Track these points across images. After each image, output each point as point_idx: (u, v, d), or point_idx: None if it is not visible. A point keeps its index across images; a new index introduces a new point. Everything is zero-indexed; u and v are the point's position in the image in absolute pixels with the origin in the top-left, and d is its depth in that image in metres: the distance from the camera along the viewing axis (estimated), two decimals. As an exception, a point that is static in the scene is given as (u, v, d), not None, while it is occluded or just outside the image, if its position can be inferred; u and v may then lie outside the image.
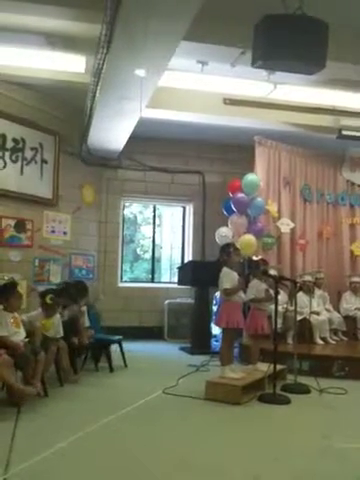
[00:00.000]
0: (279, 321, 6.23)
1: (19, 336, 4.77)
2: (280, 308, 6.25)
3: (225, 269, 5.45)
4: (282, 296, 6.92)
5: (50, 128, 7.96)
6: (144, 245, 10.88)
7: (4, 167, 7.26)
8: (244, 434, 4.13)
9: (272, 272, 6.62)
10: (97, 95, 6.46)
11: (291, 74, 5.79)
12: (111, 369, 6.37)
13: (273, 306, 5.86)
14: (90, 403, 4.91)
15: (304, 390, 5.51)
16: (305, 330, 7.02)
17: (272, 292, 5.81)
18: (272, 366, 5.28)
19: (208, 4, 4.53)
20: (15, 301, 4.84)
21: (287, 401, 5.09)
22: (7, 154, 7.30)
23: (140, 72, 5.54)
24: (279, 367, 5.57)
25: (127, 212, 10.46)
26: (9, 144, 7.34)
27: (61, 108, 8.00)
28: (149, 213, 10.58)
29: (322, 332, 7.56)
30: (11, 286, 4.96)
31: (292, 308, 6.53)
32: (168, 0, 4.33)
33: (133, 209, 10.73)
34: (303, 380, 5.71)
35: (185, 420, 4.47)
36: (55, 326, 5.42)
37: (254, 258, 7.24)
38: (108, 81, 5.95)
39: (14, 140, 7.40)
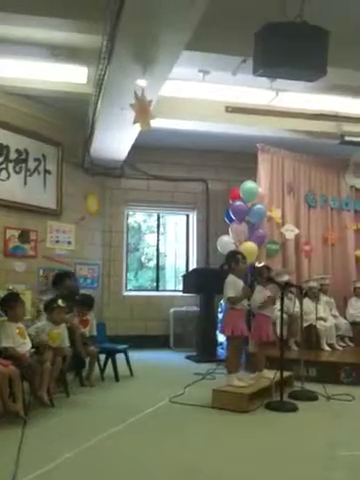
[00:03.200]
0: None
1: (25, 347, 4.76)
2: (285, 315, 6.22)
3: (230, 277, 5.43)
4: (288, 301, 6.90)
5: (53, 139, 8.02)
6: (148, 253, 10.88)
7: (8, 178, 7.31)
8: (251, 442, 4.10)
9: (282, 277, 6.61)
10: (99, 105, 6.51)
11: (293, 81, 5.86)
12: (117, 378, 6.35)
13: (278, 312, 5.84)
14: (97, 413, 4.89)
15: (311, 397, 5.46)
16: (312, 336, 6.99)
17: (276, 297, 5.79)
18: (279, 373, 5.25)
19: (209, 13, 4.58)
20: (19, 310, 4.83)
21: (294, 408, 5.05)
22: (10, 165, 7.36)
23: (141, 82, 5.57)
24: (286, 374, 5.54)
25: (131, 221, 10.48)
26: (12, 155, 7.40)
27: (64, 119, 8.05)
28: (153, 221, 10.60)
29: (329, 338, 7.53)
30: (14, 296, 4.96)
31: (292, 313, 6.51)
32: (169, 10, 4.39)
33: (137, 218, 10.75)
34: (310, 387, 5.67)
35: (192, 429, 4.44)
36: (61, 336, 5.40)
37: (257, 265, 7.22)
38: (110, 91, 6.01)
39: (17, 151, 7.46)
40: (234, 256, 5.56)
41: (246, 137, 8.30)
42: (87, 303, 6.36)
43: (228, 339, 5.56)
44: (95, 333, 6.35)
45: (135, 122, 5.62)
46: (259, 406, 5.05)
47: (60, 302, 5.35)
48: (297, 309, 6.94)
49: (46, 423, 4.46)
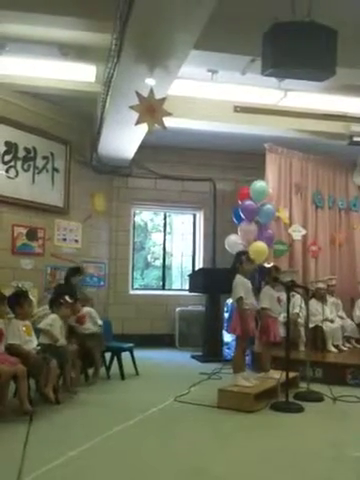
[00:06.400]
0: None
1: (31, 344, 4.78)
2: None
3: (238, 277, 5.42)
4: (295, 302, 6.88)
5: (61, 137, 8.04)
6: (155, 252, 10.89)
7: (16, 176, 7.33)
8: (256, 443, 4.09)
9: (288, 277, 6.58)
10: (107, 104, 6.52)
11: (301, 81, 5.83)
12: (122, 377, 6.36)
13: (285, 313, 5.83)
14: (102, 411, 4.90)
15: (317, 398, 5.45)
16: (318, 337, 6.97)
17: (284, 299, 5.78)
18: (284, 374, 5.24)
19: (217, 13, 4.57)
20: (27, 309, 4.86)
21: (300, 409, 5.04)
22: (19, 163, 7.38)
23: (150, 81, 5.57)
24: (292, 375, 5.53)
25: (137, 219, 10.48)
26: (21, 153, 7.42)
27: (72, 117, 8.07)
28: (160, 220, 10.60)
29: (335, 339, 7.50)
30: (22, 294, 4.98)
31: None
32: (178, 9, 4.39)
33: (143, 216, 10.76)
34: (316, 388, 5.66)
35: (198, 428, 4.44)
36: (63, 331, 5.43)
37: (266, 265, 7.21)
38: (118, 90, 6.01)
39: (26, 149, 7.49)
40: (239, 257, 5.57)
41: (254, 137, 8.28)
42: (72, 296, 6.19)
43: (236, 339, 5.56)
44: (95, 329, 6.24)
45: (138, 123, 5.61)
46: (265, 407, 5.05)
47: (67, 297, 5.38)
48: (296, 311, 6.94)
49: (51, 421, 4.47)
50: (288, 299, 5.55)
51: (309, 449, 3.94)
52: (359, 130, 8.06)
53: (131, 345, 6.73)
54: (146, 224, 10.95)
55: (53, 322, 5.23)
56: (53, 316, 5.31)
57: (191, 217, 10.43)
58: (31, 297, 5.06)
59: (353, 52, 5.61)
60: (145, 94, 5.63)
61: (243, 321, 5.24)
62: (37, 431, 4.11)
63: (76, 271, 7.02)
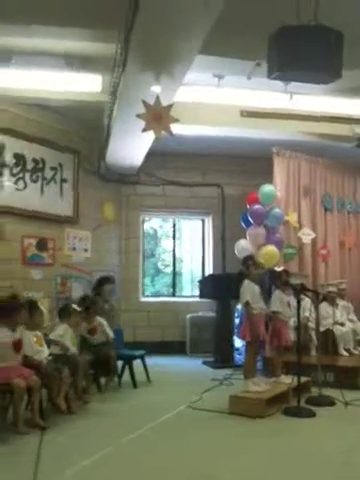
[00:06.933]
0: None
1: (42, 354, 4.80)
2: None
3: (246, 282, 5.43)
4: (305, 306, 6.85)
5: (69, 147, 8.09)
6: (165, 259, 10.89)
7: (25, 188, 7.39)
8: (269, 448, 4.08)
9: (297, 281, 6.56)
10: (114, 113, 6.56)
11: (307, 84, 5.83)
12: (135, 385, 6.36)
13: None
14: (115, 420, 4.91)
15: (329, 402, 5.42)
16: (329, 341, 6.93)
17: (294, 303, 5.76)
18: (296, 378, 5.22)
19: (222, 18, 4.58)
20: (37, 319, 4.88)
21: (312, 414, 5.01)
22: (27, 175, 7.44)
23: (156, 88, 5.59)
24: (303, 379, 5.50)
25: (147, 226, 10.51)
26: (29, 165, 7.48)
27: (80, 127, 8.12)
28: (169, 227, 10.62)
29: (346, 343, 7.44)
30: (32, 304, 5.01)
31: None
32: (183, 17, 4.40)
33: (153, 223, 10.78)
34: (328, 392, 5.62)
35: (210, 435, 4.44)
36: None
37: (276, 269, 7.19)
38: (125, 99, 6.04)
39: (34, 160, 7.54)
40: (246, 262, 5.58)
41: (261, 141, 8.27)
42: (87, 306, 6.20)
43: (246, 344, 5.55)
44: (106, 338, 6.24)
45: (145, 130, 5.64)
46: (276, 412, 5.03)
47: (75, 306, 5.41)
48: (306, 314, 6.90)
49: (64, 431, 4.48)
50: (298, 302, 5.52)
51: (320, 454, 3.92)
52: (366, 133, 8.03)
53: (143, 353, 6.73)
54: (156, 231, 10.97)
55: (63, 332, 5.25)
56: (63, 326, 5.33)
57: (200, 223, 10.42)
58: (41, 307, 5.07)
59: (358, 54, 5.60)
60: (151, 102, 5.66)
61: (252, 326, 5.24)
62: (50, 441, 4.13)
63: (107, 280, 7.09)
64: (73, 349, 5.24)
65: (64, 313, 5.47)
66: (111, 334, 6.27)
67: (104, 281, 7.12)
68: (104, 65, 6.25)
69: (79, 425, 4.68)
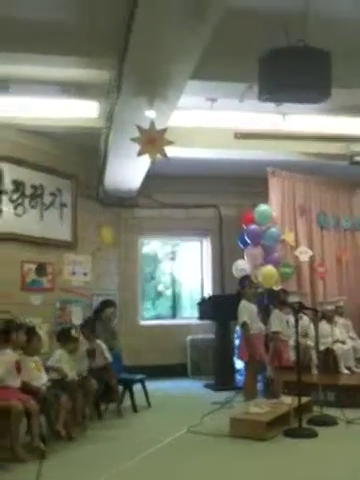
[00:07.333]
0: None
1: (41, 380, 4.78)
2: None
3: (243, 302, 5.45)
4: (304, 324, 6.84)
5: (68, 172, 8.15)
6: (165, 282, 10.88)
7: (24, 213, 7.43)
8: (270, 472, 4.04)
9: (295, 299, 6.57)
10: (110, 138, 6.65)
11: (299, 104, 5.92)
12: (135, 409, 6.31)
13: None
14: (114, 446, 4.87)
15: (331, 422, 5.38)
16: (329, 360, 6.89)
17: (292, 321, 5.76)
18: (297, 399, 5.18)
19: (212, 42, 4.67)
20: (35, 344, 4.88)
21: (314, 434, 4.98)
22: (27, 201, 7.47)
23: (150, 113, 5.68)
24: (304, 399, 5.46)
25: (147, 249, 10.52)
26: (28, 191, 7.52)
27: (77, 152, 8.19)
28: (169, 249, 10.63)
29: (347, 361, 7.40)
30: (30, 329, 5.00)
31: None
32: (173, 42, 4.49)
33: (153, 246, 10.80)
34: (330, 411, 5.59)
35: (210, 459, 4.40)
36: (79, 364, 5.41)
37: (274, 288, 7.20)
38: (120, 124, 6.13)
39: (33, 187, 7.59)
40: (242, 282, 5.61)
41: (256, 162, 8.34)
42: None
43: (245, 365, 5.53)
44: (104, 362, 6.19)
45: (140, 154, 5.70)
46: (278, 433, 4.98)
47: (73, 332, 5.40)
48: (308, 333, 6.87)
49: (63, 458, 4.45)
50: (296, 321, 5.52)
51: (323, 476, 3.88)
52: (359, 150, 8.11)
53: (142, 377, 6.69)
54: (156, 254, 10.98)
55: (60, 357, 5.23)
56: (60, 351, 5.32)
57: (198, 244, 10.45)
58: (39, 332, 5.07)
59: (347, 73, 5.69)
60: (146, 126, 5.75)
61: (250, 346, 5.23)
62: (49, 469, 4.09)
63: (109, 304, 7.10)
64: (72, 374, 5.20)
65: (62, 337, 5.45)
66: (110, 358, 6.22)
67: (106, 305, 7.11)
68: (100, 91, 6.35)
69: (79, 452, 4.65)
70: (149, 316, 10.15)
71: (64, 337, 5.44)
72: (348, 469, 4.00)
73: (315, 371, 7.00)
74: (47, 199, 7.82)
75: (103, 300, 7.38)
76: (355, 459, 4.27)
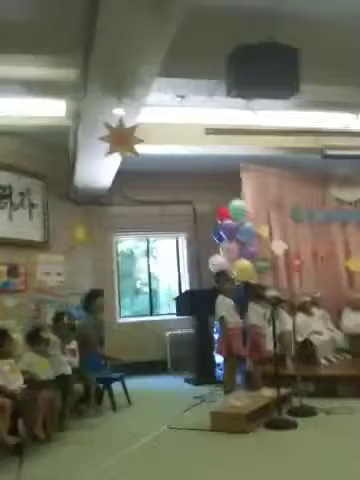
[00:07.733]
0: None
1: (16, 383, 4.71)
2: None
3: (220, 297, 5.47)
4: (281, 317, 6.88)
5: (37, 172, 8.04)
6: (143, 279, 10.83)
7: (-9, 215, 7.31)
8: (252, 464, 4.06)
9: (272, 293, 6.61)
10: (79, 137, 6.57)
11: (268, 100, 5.94)
12: (114, 408, 6.26)
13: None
14: (94, 445, 4.83)
15: (310, 412, 5.42)
16: (308, 351, 6.96)
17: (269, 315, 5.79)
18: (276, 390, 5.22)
19: (180, 39, 4.63)
20: (8, 347, 4.80)
21: (294, 425, 5.01)
22: (-5, 202, 7.36)
23: (118, 111, 5.63)
24: (284, 391, 5.49)
25: (123, 247, 10.46)
26: (-4, 191, 7.42)
27: (47, 152, 8.08)
28: (145, 246, 10.59)
29: (325, 352, 7.48)
30: (2, 332, 4.91)
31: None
32: (138, 39, 4.44)
33: (129, 243, 10.74)
34: (309, 402, 5.62)
35: (191, 455, 4.40)
36: (55, 363, 5.35)
37: (250, 282, 7.23)
38: (88, 122, 6.06)
39: (1, 187, 7.48)
40: (218, 277, 5.63)
41: (229, 157, 8.33)
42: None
43: (224, 359, 5.55)
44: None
45: (109, 153, 5.64)
46: (258, 425, 5.01)
47: (42, 333, 5.33)
48: (287, 327, 6.92)
49: (42, 459, 4.40)
50: (272, 314, 5.55)
51: (304, 466, 3.92)
52: (331, 143, 8.18)
53: (121, 374, 6.64)
54: (132, 251, 10.92)
55: (30, 360, 5.16)
56: (29, 354, 5.25)
57: (174, 241, 10.43)
58: (13, 335, 4.99)
59: (316, 70, 5.72)
60: (115, 124, 5.69)
61: (227, 340, 5.25)
62: (29, 469, 4.05)
63: (98, 293, 7.01)
64: (46, 374, 5.12)
65: (31, 339, 5.37)
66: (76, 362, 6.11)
67: (95, 294, 6.96)
68: (67, 90, 6.26)
69: (58, 453, 4.60)
70: (128, 313, 10.10)
71: (32, 339, 5.35)
72: (328, 458, 4.04)
73: (292, 362, 7.05)
74: (16, 199, 7.71)
75: (92, 289, 7.23)
76: (334, 448, 4.32)
